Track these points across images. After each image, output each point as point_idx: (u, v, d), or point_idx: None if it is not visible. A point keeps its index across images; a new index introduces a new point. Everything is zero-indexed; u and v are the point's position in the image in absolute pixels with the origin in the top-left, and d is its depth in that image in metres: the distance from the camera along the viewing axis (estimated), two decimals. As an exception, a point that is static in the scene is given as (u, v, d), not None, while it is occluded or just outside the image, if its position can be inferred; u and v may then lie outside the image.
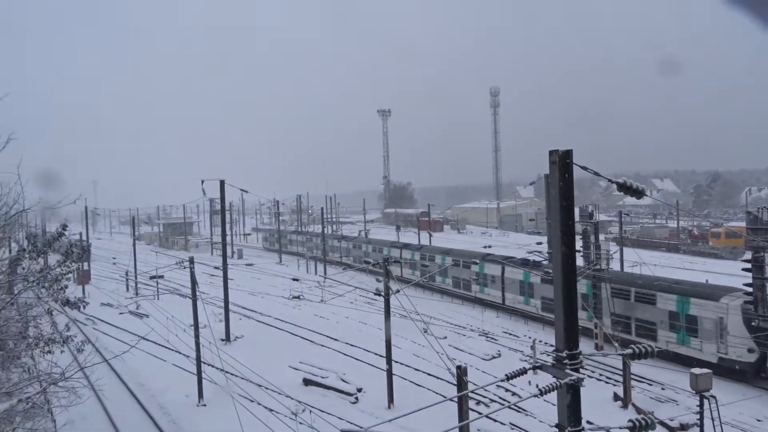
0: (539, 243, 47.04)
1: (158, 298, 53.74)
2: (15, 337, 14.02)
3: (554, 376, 8.82)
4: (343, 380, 28.72)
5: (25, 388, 11.99)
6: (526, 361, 31.44)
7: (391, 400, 25.19)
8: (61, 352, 15.87)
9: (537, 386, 8.56)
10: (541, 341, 34.20)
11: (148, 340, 35.23)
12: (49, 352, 14.77)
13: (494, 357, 32.84)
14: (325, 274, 66.05)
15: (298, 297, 39.77)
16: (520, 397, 25.20)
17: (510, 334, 38.15)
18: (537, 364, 9.25)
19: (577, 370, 8.65)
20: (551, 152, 8.76)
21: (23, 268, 13.42)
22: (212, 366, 29.72)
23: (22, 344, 14.30)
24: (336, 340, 37.93)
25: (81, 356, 18.27)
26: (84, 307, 16.22)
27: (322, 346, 36.92)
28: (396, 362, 30.21)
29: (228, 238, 78.14)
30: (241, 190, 42.97)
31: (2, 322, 11.46)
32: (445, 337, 36.93)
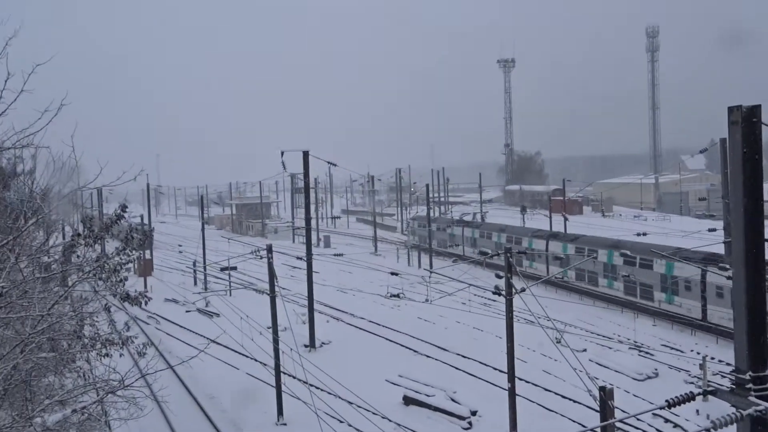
0: (712, 230, 45.04)
1: (231, 294, 55.96)
2: (69, 336, 14.78)
3: (732, 405, 8.36)
4: (453, 400, 29.00)
5: (81, 397, 12.70)
6: (692, 383, 30.66)
7: (513, 426, 25.07)
8: (120, 355, 16.64)
9: (708, 417, 8.19)
10: (713, 358, 33.26)
11: (218, 343, 36.78)
12: (107, 355, 15.46)
13: (649, 377, 32.37)
14: (431, 267, 66.35)
15: (398, 295, 40.38)
16: (684, 430, 24.44)
17: (671, 348, 37.25)
18: (708, 389, 8.82)
19: (765, 399, 8.17)
20: (731, 109, 8.25)
21: (78, 256, 14.07)
22: (294, 377, 30.74)
23: (77, 345, 15.06)
24: (444, 350, 38.40)
25: (142, 361, 19.18)
26: (146, 302, 17.03)
27: (427, 356, 37.44)
28: (520, 380, 30.12)
29: (313, 223, 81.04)
30: (329, 163, 43.81)
31: (55, 319, 12.19)
32: (585, 350, 36.53)
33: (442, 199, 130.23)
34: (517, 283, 21.26)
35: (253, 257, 34.29)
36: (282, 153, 42.35)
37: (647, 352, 36.34)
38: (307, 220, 41.02)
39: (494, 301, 49.86)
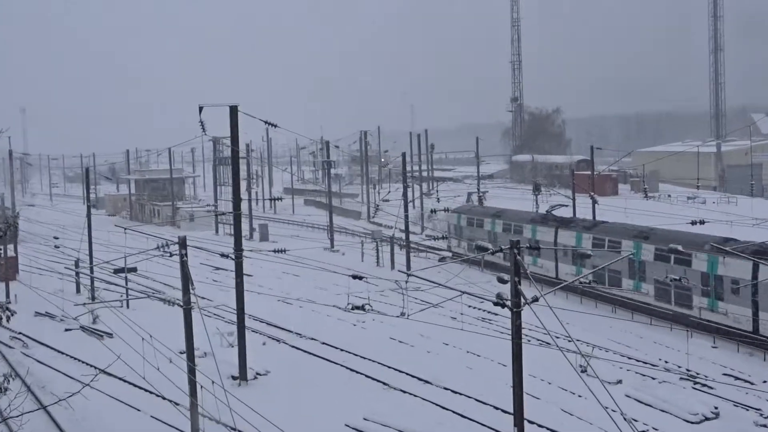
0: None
1: (128, 306, 55.52)
2: None
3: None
4: (439, 452, 29.21)
5: None
6: (764, 426, 30.88)
7: (522, 488, 25.27)
8: (-29, 392, 16.16)
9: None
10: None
11: (111, 375, 36.45)
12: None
13: (707, 418, 32.59)
14: (408, 267, 66.36)
15: (363, 307, 39.87)
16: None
17: (736, 378, 37.60)
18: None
19: None
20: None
21: None
22: (218, 422, 30.31)
23: None
24: (427, 382, 38.24)
25: (3, 400, 19.09)
26: (8, 318, 16.65)
27: (403, 392, 37.28)
28: (531, 423, 30.16)
29: (244, 207, 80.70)
30: (266, 123, 43.09)
31: None
32: (620, 382, 36.76)
33: (425, 173, 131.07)
34: (528, 290, 21.23)
35: (161, 255, 33.74)
36: (201, 109, 41.38)
37: (704, 384, 36.63)
38: (236, 203, 40.44)
39: (496, 314, 50.06)
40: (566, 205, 67.16)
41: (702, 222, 57.42)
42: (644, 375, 38.22)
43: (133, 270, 45.35)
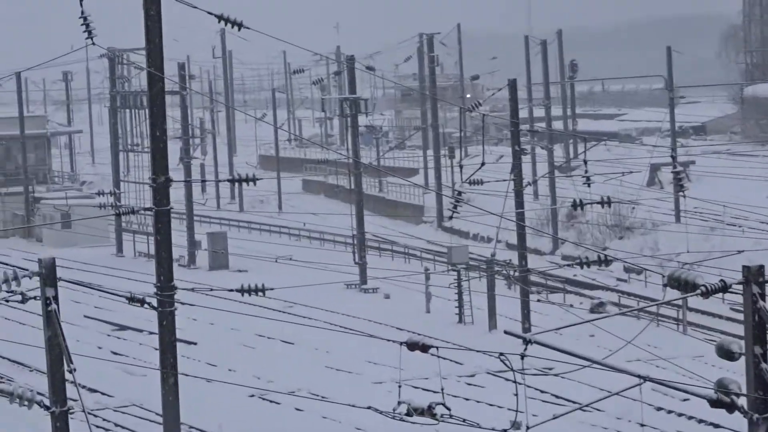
0: None
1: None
2: None
3: None
4: None
5: None
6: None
7: None
8: None
9: None
10: None
11: None
12: None
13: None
14: (527, 327, 52.45)
15: (429, 412, 25.44)
16: None
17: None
18: None
19: None
20: None
21: None
22: None
23: None
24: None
25: None
26: None
27: None
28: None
29: (174, 196, 61.15)
30: (225, 23, 28.44)
31: None
32: None
33: (559, 124, 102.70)
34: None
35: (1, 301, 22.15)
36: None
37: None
38: (159, 188, 24.99)
39: (717, 427, 36.78)
40: None
41: None
42: None
43: None
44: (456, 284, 56.47)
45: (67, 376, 20.32)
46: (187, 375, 32.77)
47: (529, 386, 37.23)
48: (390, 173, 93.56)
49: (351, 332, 52.46)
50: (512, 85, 54.98)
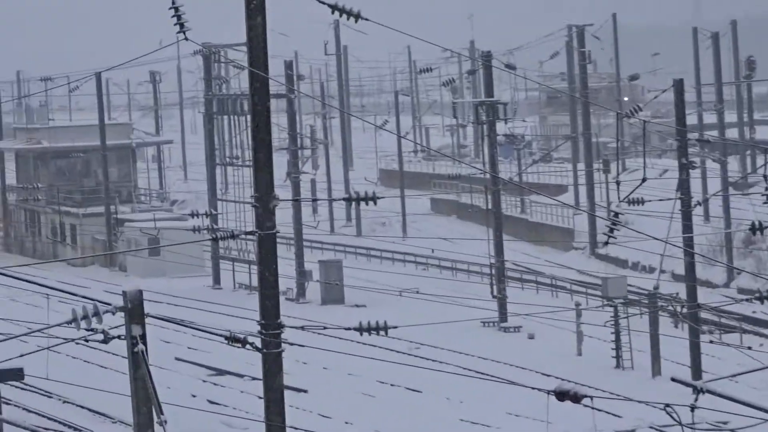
0: None
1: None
2: None
3: None
4: None
5: None
6: None
7: None
8: None
9: None
10: None
11: None
12: None
13: None
14: (698, 374, 51.50)
15: None
16: None
17: None
18: None
19: None
20: None
21: None
22: None
23: None
24: None
25: None
26: None
27: None
28: None
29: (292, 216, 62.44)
30: (346, 15, 29.02)
31: None
32: None
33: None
34: None
35: (81, 339, 21.88)
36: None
37: None
38: (263, 208, 27.10)
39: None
40: None
41: None
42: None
43: (17, 376, 33.24)
44: (612, 322, 56.72)
45: (157, 428, 20.02)
46: (296, 429, 32.77)
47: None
48: (534, 191, 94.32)
49: (489, 378, 52.21)
50: (678, 86, 54.56)
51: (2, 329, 45.20)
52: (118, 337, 19.74)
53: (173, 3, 29.05)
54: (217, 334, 30.58)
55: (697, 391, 20.83)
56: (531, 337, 63.42)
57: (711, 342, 57.44)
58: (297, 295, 75.29)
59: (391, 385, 53.17)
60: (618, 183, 53.85)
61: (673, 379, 27.77)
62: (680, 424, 23.92)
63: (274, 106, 31.41)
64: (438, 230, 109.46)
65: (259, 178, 27.52)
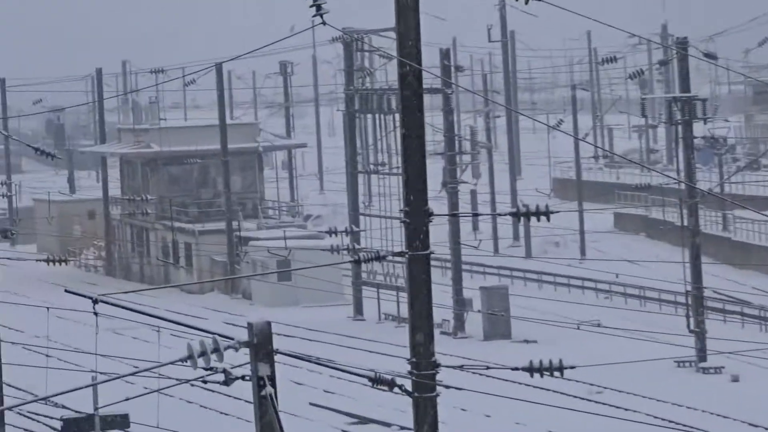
0: None
1: None
2: None
3: None
4: None
5: None
6: None
7: None
8: None
9: None
10: None
11: None
12: None
13: None
14: None
15: None
16: None
17: None
18: None
19: None
20: None
21: None
22: None
23: None
24: None
25: None
26: None
27: None
28: None
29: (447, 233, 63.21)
30: None
31: None
32: None
33: None
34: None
35: (199, 381, 20.94)
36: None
37: None
38: (416, 225, 26.57)
39: None
40: None
41: None
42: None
43: (122, 424, 33.11)
44: None
45: (287, 486, 20.06)
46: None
47: None
48: (739, 204, 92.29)
49: (685, 429, 51.26)
50: None
51: (105, 368, 46.00)
52: (242, 377, 18.72)
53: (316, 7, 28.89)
54: (359, 375, 30.38)
55: None
56: (735, 379, 62.38)
57: None
58: (454, 329, 75.21)
59: (569, 436, 54.12)
60: None
61: None
62: None
63: (427, 103, 30.95)
64: (623, 251, 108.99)
65: (410, 189, 27.09)
